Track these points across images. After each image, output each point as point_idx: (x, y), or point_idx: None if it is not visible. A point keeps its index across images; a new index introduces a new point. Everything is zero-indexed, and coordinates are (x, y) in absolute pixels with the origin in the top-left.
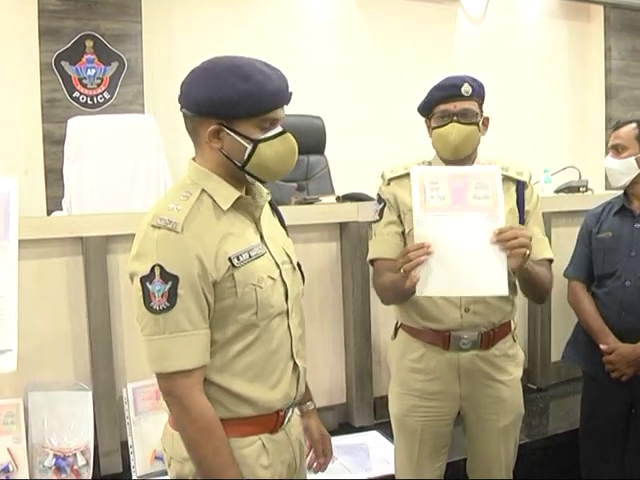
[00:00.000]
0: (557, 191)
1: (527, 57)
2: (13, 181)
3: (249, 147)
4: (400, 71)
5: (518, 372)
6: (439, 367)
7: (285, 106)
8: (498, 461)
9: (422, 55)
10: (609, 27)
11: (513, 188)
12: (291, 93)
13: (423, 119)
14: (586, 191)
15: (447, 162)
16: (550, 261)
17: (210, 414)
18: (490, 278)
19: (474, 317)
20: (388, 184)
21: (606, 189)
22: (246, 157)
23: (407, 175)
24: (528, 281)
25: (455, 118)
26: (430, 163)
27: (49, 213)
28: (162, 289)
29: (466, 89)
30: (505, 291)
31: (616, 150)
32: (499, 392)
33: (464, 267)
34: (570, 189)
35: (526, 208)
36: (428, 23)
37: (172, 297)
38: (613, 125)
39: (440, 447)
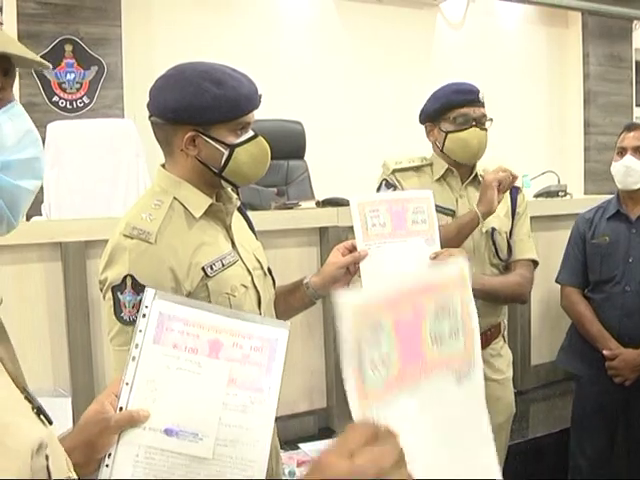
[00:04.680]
0: (536, 196)
1: (506, 62)
2: (284, 332)
3: (226, 152)
4: (379, 76)
5: (509, 371)
6: None
7: (255, 110)
8: None
9: (401, 60)
10: (587, 33)
11: (507, 192)
12: (261, 96)
13: (428, 123)
14: (565, 195)
15: (458, 166)
16: (533, 262)
17: None
18: None
19: None
20: (392, 174)
21: (585, 193)
22: (223, 162)
23: (412, 169)
24: (484, 297)
25: (474, 123)
26: (432, 163)
27: (28, 218)
28: (133, 300)
29: (482, 96)
30: None
31: (638, 151)
32: (493, 391)
33: None
34: (549, 194)
35: (517, 210)
36: (407, 28)
37: None
38: (627, 126)
39: None
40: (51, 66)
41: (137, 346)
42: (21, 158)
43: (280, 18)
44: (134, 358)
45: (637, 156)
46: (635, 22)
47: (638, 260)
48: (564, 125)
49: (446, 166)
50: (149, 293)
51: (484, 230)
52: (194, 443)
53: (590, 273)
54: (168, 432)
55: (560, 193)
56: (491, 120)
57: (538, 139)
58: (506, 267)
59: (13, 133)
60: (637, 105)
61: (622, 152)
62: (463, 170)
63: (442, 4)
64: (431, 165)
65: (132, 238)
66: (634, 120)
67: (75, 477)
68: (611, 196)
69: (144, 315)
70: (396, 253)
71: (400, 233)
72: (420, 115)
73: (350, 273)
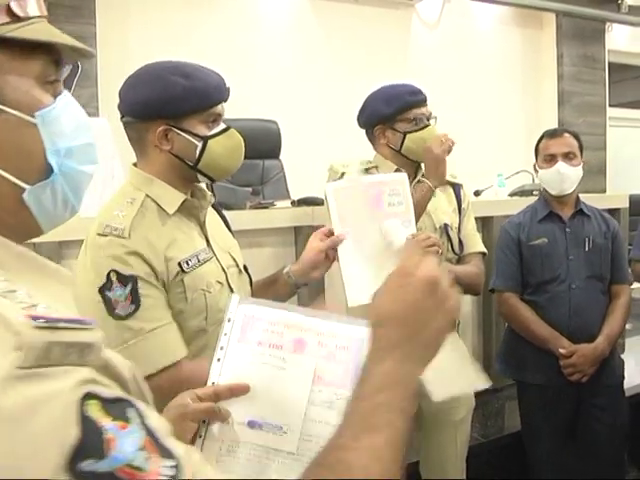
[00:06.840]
0: (511, 195)
1: (481, 63)
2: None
3: (199, 145)
4: (355, 75)
5: None
6: None
7: (224, 103)
8: (454, 455)
9: (377, 60)
10: (561, 35)
11: (450, 189)
12: (229, 89)
13: (378, 126)
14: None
15: (407, 166)
16: (482, 254)
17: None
18: None
19: None
20: (342, 177)
21: None
22: (197, 155)
23: (359, 172)
24: None
25: (427, 122)
26: (377, 167)
27: None
28: (123, 293)
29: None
30: None
31: (568, 157)
32: None
33: (386, 273)
34: (523, 192)
35: (462, 206)
36: (383, 28)
37: (136, 298)
38: (548, 133)
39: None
40: (94, 53)
41: (222, 348)
42: (79, 144)
43: (256, 18)
44: (219, 359)
45: (567, 162)
46: (608, 24)
47: (578, 257)
48: (539, 125)
49: (394, 167)
50: (234, 299)
51: (438, 226)
52: (278, 436)
53: (530, 276)
54: (251, 424)
55: (534, 192)
56: (435, 118)
57: (513, 139)
58: (458, 261)
59: (70, 121)
60: (610, 105)
61: (551, 159)
62: (410, 171)
63: (418, 4)
64: (376, 168)
65: (106, 236)
66: (607, 120)
67: None
68: (534, 199)
69: (229, 320)
70: (373, 235)
71: (377, 215)
72: (365, 119)
73: (329, 259)
